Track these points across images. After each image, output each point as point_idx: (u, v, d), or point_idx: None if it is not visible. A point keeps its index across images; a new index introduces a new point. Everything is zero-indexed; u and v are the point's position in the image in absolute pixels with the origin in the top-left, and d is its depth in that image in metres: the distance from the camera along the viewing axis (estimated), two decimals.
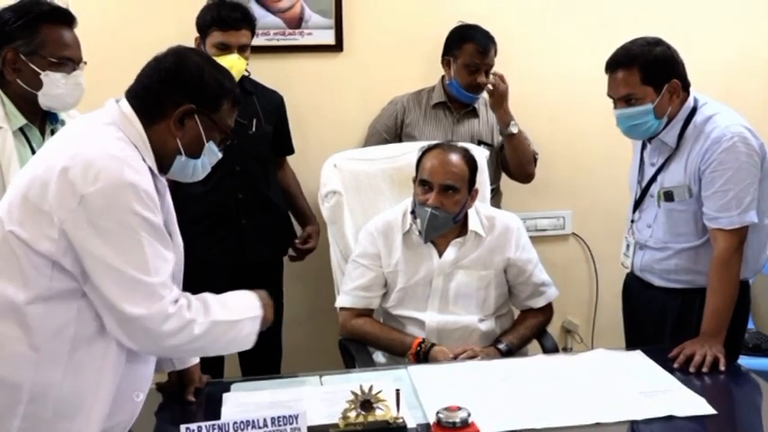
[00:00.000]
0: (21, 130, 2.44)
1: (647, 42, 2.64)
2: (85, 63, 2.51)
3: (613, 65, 2.65)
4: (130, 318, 1.81)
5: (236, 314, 2.01)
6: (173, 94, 1.93)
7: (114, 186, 1.79)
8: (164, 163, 1.98)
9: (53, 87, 2.42)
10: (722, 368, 2.45)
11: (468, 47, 3.44)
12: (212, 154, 2.04)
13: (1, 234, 1.84)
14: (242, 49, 3.18)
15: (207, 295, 2.01)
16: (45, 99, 2.43)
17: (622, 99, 2.63)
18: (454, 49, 3.49)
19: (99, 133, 1.89)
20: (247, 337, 2.04)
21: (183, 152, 1.97)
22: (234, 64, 3.09)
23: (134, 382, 1.98)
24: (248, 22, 3.20)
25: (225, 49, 3.13)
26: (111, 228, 1.79)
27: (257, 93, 3.34)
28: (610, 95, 2.68)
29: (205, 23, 3.17)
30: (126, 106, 1.93)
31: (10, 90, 2.43)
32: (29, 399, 1.82)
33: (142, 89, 1.95)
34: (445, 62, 3.53)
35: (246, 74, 3.26)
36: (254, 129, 3.24)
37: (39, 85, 2.41)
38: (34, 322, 1.82)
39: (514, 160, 3.52)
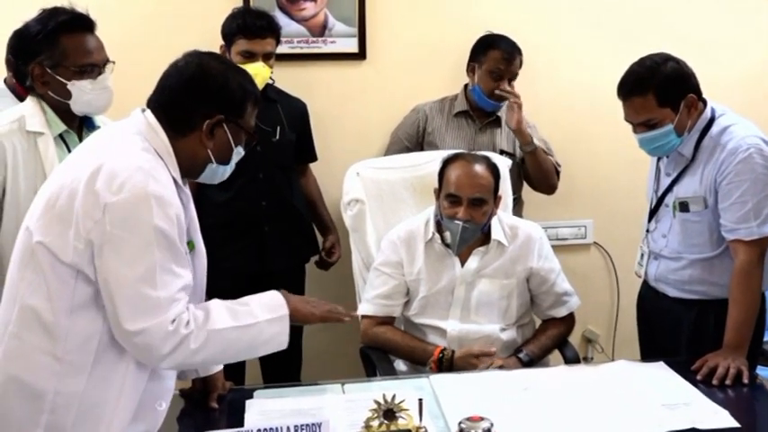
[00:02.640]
0: (60, 136, 2.49)
1: (656, 62, 2.60)
2: (113, 62, 2.53)
3: (626, 92, 2.61)
4: (128, 333, 1.82)
5: (248, 319, 1.97)
6: (201, 107, 1.94)
7: (138, 198, 1.80)
8: (193, 171, 2.01)
9: (82, 95, 2.45)
10: (745, 381, 2.43)
11: (494, 53, 3.44)
12: (238, 156, 2.07)
13: (30, 245, 1.87)
14: (267, 57, 3.19)
15: (213, 303, 1.98)
16: (77, 106, 2.48)
17: (642, 124, 2.61)
18: (480, 55, 3.48)
19: (125, 143, 1.91)
20: (273, 339, 2.01)
21: (213, 161, 2.00)
22: (258, 72, 3.11)
23: (157, 391, 2.00)
24: (273, 31, 3.21)
25: (250, 56, 3.15)
26: (127, 238, 1.81)
27: (281, 100, 3.35)
28: (628, 120, 2.66)
29: (231, 31, 3.19)
30: (151, 117, 1.95)
31: (46, 100, 2.49)
32: (51, 408, 1.85)
33: (168, 101, 1.96)
34: (470, 69, 3.53)
35: (271, 81, 3.28)
36: (277, 136, 3.26)
37: (68, 94, 2.45)
38: (59, 334, 1.84)
39: (536, 174, 3.54)
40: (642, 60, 2.63)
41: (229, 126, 1.98)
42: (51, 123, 2.47)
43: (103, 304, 1.85)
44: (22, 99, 2.56)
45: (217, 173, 2.05)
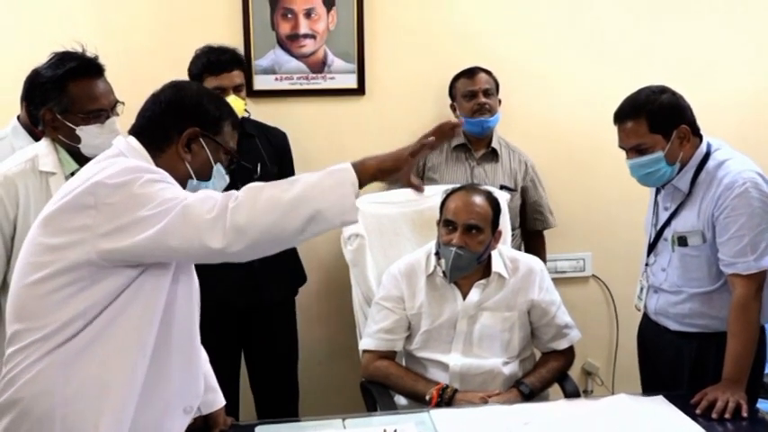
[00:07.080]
0: (72, 174, 2.51)
1: (652, 91, 2.66)
2: (123, 104, 2.56)
3: (620, 116, 2.67)
4: (167, 232, 1.77)
5: (296, 177, 1.88)
6: (176, 122, 1.97)
7: (124, 170, 1.83)
8: None
9: (91, 139, 2.49)
10: (744, 414, 2.44)
11: (458, 82, 3.61)
12: (221, 178, 2.07)
13: (34, 272, 1.85)
14: (237, 90, 3.23)
15: None
16: (87, 149, 2.50)
17: (633, 149, 2.65)
18: (452, 91, 3.66)
19: (108, 163, 1.92)
20: (334, 189, 1.83)
21: (193, 176, 2.00)
22: (233, 105, 3.14)
23: (184, 395, 2.01)
24: (238, 63, 3.26)
25: (221, 92, 3.13)
26: (125, 196, 1.79)
27: (260, 134, 3.37)
28: (621, 147, 2.70)
29: (198, 71, 3.22)
30: (132, 140, 1.98)
31: (58, 142, 2.53)
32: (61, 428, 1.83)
33: (146, 123, 2.00)
34: (452, 108, 3.66)
35: (246, 114, 3.30)
36: (258, 173, 3.26)
37: (77, 139, 2.50)
38: (66, 355, 1.83)
39: None
40: (640, 90, 2.69)
41: (206, 141, 1.99)
42: (64, 162, 2.53)
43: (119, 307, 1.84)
44: (36, 137, 2.60)
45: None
